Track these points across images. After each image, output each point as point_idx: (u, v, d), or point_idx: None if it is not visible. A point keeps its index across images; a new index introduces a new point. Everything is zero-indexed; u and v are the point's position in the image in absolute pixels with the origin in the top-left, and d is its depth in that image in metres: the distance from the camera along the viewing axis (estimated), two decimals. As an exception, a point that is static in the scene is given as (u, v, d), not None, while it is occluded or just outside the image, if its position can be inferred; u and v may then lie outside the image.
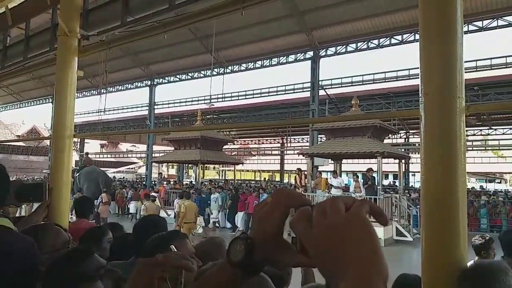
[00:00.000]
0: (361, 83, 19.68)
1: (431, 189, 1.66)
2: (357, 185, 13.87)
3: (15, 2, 4.41)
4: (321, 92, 18.87)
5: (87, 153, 18.20)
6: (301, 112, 23.06)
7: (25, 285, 1.53)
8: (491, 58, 16.64)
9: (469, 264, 1.75)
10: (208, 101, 23.47)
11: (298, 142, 36.54)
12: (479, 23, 15.12)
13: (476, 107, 2.13)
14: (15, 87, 29.13)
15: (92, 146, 46.27)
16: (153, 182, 23.76)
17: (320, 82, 18.78)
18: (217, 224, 14.86)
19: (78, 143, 35.82)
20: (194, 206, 11.60)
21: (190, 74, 23.36)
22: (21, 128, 50.23)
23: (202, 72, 22.58)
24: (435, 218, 1.64)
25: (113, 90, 26.51)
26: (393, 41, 16.88)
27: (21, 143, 45.12)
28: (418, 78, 1.75)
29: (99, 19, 3.64)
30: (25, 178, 33.00)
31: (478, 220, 16.07)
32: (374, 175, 13.29)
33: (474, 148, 29.51)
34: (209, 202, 15.35)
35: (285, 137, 34.13)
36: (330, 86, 19.86)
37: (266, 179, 38.66)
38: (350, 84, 19.91)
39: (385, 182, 28.77)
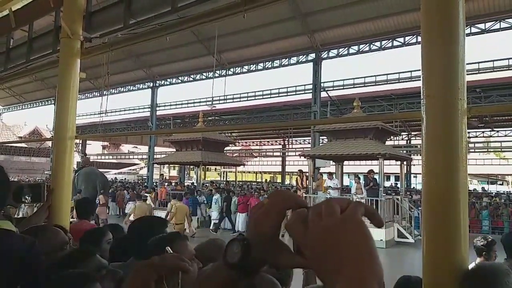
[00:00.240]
0: (363, 85, 19.68)
1: (432, 191, 1.66)
2: (358, 186, 13.84)
3: (19, 4, 4.43)
4: (323, 94, 18.86)
5: (85, 154, 18.25)
6: (303, 114, 23.06)
7: (26, 285, 1.53)
8: (493, 60, 16.62)
9: (470, 266, 1.75)
10: (210, 102, 23.50)
11: (300, 143, 36.54)
12: (481, 25, 15.11)
13: (477, 109, 2.13)
14: (17, 88, 29.25)
15: (94, 148, 46.35)
16: (154, 184, 23.78)
17: (322, 84, 18.78)
18: (219, 226, 14.84)
19: (80, 145, 35.89)
20: (185, 207, 11.81)
21: (192, 76, 23.40)
22: (23, 129, 50.39)
23: (204, 74, 22.63)
24: (436, 219, 1.64)
25: (115, 91, 26.58)
26: (395, 43, 16.88)
27: (23, 144, 45.24)
28: (420, 80, 1.76)
29: (101, 21, 3.66)
30: (27, 179, 33.10)
31: (480, 222, 16.02)
32: (376, 176, 13.27)
33: (476, 150, 29.47)
34: (207, 203, 15.39)
35: (287, 139, 34.13)
36: (332, 88, 19.86)
37: (268, 181, 38.64)
38: (352, 86, 19.90)
39: (387, 184, 28.74)
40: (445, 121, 1.64)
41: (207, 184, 22.11)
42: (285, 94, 22.05)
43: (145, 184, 24.97)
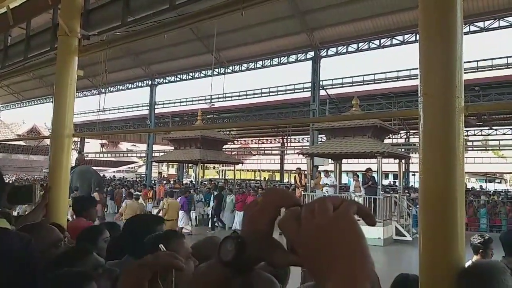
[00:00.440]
0: (362, 83, 19.67)
1: (430, 189, 1.66)
2: (357, 184, 13.87)
3: (17, 2, 4.42)
4: (322, 92, 18.85)
5: (79, 152, 18.21)
6: (302, 112, 23.05)
7: (24, 283, 1.53)
8: (492, 59, 16.63)
9: (467, 263, 1.75)
10: (209, 101, 23.47)
11: (298, 142, 36.54)
12: (480, 24, 15.12)
13: (475, 107, 2.13)
14: (16, 86, 29.17)
15: (92, 146, 46.26)
16: (153, 182, 23.77)
17: (320, 82, 18.77)
18: (216, 224, 14.84)
19: (79, 143, 35.83)
20: (177, 204, 12.02)
21: (191, 74, 23.38)
22: (21, 127, 50.29)
23: (203, 72, 22.59)
24: (433, 217, 1.65)
25: (114, 89, 26.54)
26: (394, 41, 16.88)
27: (21, 143, 45.15)
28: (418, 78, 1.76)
29: (99, 19, 3.65)
30: (25, 178, 33.08)
31: (477, 220, 16.06)
32: (374, 174, 13.28)
33: (474, 148, 29.50)
34: (205, 201, 15.39)
35: (285, 137, 34.13)
36: (330, 86, 19.85)
37: (266, 179, 38.65)
38: (351, 84, 19.89)
39: (385, 182, 28.77)
40: (442, 119, 1.64)
41: (206, 183, 22.09)
42: (284, 92, 22.03)
43: (144, 182, 24.95)
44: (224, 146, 22.52)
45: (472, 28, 15.15)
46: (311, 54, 18.65)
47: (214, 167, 49.09)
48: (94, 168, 13.25)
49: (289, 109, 24.34)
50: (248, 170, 47.81)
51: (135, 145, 49.14)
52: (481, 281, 1.55)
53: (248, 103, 24.66)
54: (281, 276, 2.14)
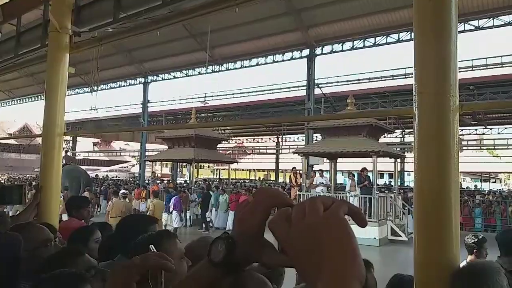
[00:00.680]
0: (357, 81, 19.72)
1: (424, 188, 1.65)
2: (352, 184, 13.90)
3: (6, -3, 4.36)
4: (317, 91, 18.86)
5: (67, 151, 18.10)
6: (297, 111, 23.05)
7: (9, 280, 1.52)
8: (486, 58, 16.75)
9: (462, 263, 1.74)
10: (203, 99, 23.42)
11: (294, 141, 36.56)
12: (475, 23, 15.18)
13: (469, 106, 2.12)
14: (7, 84, 28.87)
15: (85, 145, 46.05)
16: (146, 181, 23.68)
17: (315, 81, 18.77)
18: (210, 224, 14.80)
19: (71, 142, 35.61)
20: (162, 204, 12.23)
21: (184, 72, 23.29)
22: (13, 125, 49.88)
23: (197, 69, 22.51)
24: (428, 217, 1.63)
25: (106, 87, 26.40)
26: (389, 39, 16.90)
27: (12, 141, 44.84)
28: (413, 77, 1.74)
29: (91, 15, 3.60)
30: (16, 177, 32.86)
31: (472, 219, 16.14)
32: (369, 174, 13.30)
33: (469, 148, 29.68)
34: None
35: (280, 136, 34.14)
36: (325, 85, 19.87)
37: (261, 178, 38.67)
38: (346, 83, 19.94)
39: (381, 182, 28.87)
40: (437, 118, 1.63)
41: (200, 182, 22.06)
42: (279, 90, 22.04)
43: (137, 182, 24.85)
44: (219, 145, 22.47)
45: (467, 26, 15.21)
46: (306, 52, 18.64)
47: (208, 167, 49.03)
48: (84, 167, 13.24)
49: (284, 108, 24.34)
50: (243, 170, 47.79)
51: (128, 144, 48.92)
52: (476, 281, 1.54)
53: (242, 101, 24.65)
54: (276, 277, 2.12)
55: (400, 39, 16.53)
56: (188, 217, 14.89)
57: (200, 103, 24.05)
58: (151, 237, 1.72)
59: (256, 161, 46.84)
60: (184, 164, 25.67)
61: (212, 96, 23.49)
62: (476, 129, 27.63)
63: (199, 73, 22.49)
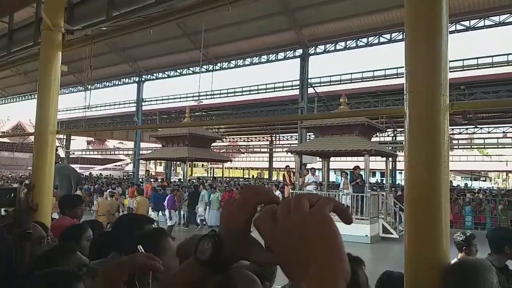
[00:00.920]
0: (350, 81, 19.78)
1: (415, 186, 1.66)
2: (346, 182, 13.97)
3: (-2, -5, 4.32)
4: (310, 90, 18.90)
5: (56, 149, 17.93)
6: (290, 110, 23.05)
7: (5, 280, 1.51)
8: (477, 58, 16.86)
9: (452, 261, 1.76)
10: (197, 98, 23.34)
11: (287, 140, 36.59)
12: (466, 23, 15.30)
13: (460, 105, 2.14)
14: (0, 82, 28.59)
15: (79, 143, 45.70)
16: (140, 180, 23.58)
17: (309, 80, 18.82)
18: (204, 222, 14.77)
19: (64, 140, 35.35)
20: (146, 202, 12.39)
21: (178, 71, 23.21)
22: (6, 124, 49.41)
23: (191, 68, 22.45)
24: (418, 215, 1.65)
25: (100, 86, 26.22)
26: (381, 39, 16.98)
27: (6, 139, 44.39)
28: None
29: (84, 13, 3.59)
30: (9, 175, 32.57)
31: (463, 217, 16.30)
32: (361, 172, 13.37)
33: (459, 147, 29.91)
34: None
35: (274, 135, 34.16)
36: (319, 84, 19.91)
37: (255, 177, 38.67)
38: (339, 82, 19.99)
39: (373, 180, 29.01)
40: (427, 117, 1.65)
41: (194, 180, 21.99)
42: (272, 90, 22.04)
43: (131, 180, 24.74)
44: (213, 144, 22.44)
45: (458, 27, 15.31)
46: (299, 51, 18.68)
47: (202, 165, 48.92)
48: (78, 166, 13.17)
49: (278, 107, 24.34)
50: (237, 168, 47.77)
51: (122, 143, 48.65)
52: (467, 278, 1.56)
53: (236, 100, 24.61)
54: (268, 275, 2.13)
55: (392, 39, 16.62)
56: (182, 215, 14.85)
57: (194, 102, 23.94)
58: (145, 235, 1.72)
59: (250, 159, 46.85)
60: (178, 162, 25.58)
61: (206, 95, 23.41)
62: (466, 129, 27.85)
63: (193, 72, 22.42)
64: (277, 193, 13.93)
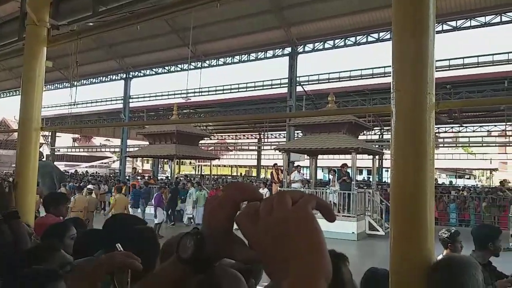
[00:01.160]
0: (337, 80, 19.89)
1: (400, 184, 1.68)
2: (333, 179, 14.08)
3: (-19, -12, 4.23)
4: (299, 89, 18.97)
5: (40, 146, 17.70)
6: (279, 108, 23.06)
7: None
8: (463, 58, 17.10)
9: (438, 257, 1.78)
10: (185, 95, 23.20)
11: (275, 137, 36.64)
12: (453, 23, 15.50)
13: (445, 103, 2.17)
14: (-17, 77, 28.04)
15: (64, 140, 45.08)
16: (127, 177, 23.38)
17: (297, 78, 18.87)
18: (191, 220, 14.74)
19: (50, 137, 34.85)
20: (124, 199, 12.44)
21: (166, 68, 23.06)
22: (-11, 120, 48.47)
23: (179, 65, 22.32)
24: (403, 212, 1.67)
25: (87, 82, 25.91)
26: (369, 39, 17.12)
27: (-11, 136, 43.53)
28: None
29: (69, 8, 3.53)
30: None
31: (447, 214, 16.57)
32: (349, 170, 13.47)
33: (445, 145, 30.31)
34: (181, 197, 15.32)
35: (262, 133, 34.18)
36: (307, 83, 19.99)
37: (243, 175, 38.67)
38: (327, 81, 20.08)
39: (360, 178, 29.24)
40: (413, 115, 1.66)
41: (181, 178, 21.89)
42: (261, 88, 22.03)
43: (118, 178, 24.52)
44: (201, 142, 22.34)
45: (445, 27, 15.52)
46: (288, 50, 18.72)
47: (190, 163, 48.60)
48: (64, 163, 13.01)
49: (266, 105, 24.35)
50: (225, 166, 47.67)
51: (108, 140, 48.14)
52: (453, 275, 1.57)
53: (225, 98, 24.57)
54: (256, 272, 2.13)
55: (380, 38, 16.77)
56: (169, 212, 14.79)
57: (182, 99, 23.80)
58: (140, 233, 1.70)
59: (238, 157, 46.80)
60: (166, 160, 25.44)
61: (194, 93, 23.28)
62: (452, 127, 28.24)
63: (182, 69, 22.29)
64: (265, 191, 13.94)
